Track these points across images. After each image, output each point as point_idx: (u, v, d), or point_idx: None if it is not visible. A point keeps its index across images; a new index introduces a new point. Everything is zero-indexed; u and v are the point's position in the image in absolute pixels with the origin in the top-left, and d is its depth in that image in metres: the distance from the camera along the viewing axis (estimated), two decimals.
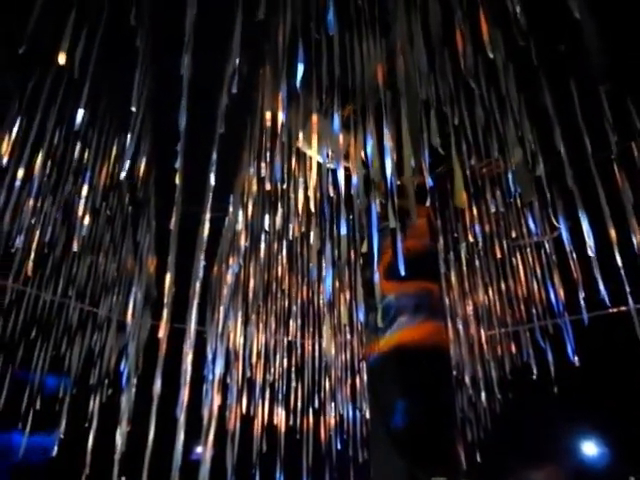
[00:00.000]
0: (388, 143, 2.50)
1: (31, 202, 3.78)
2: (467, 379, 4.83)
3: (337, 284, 4.15)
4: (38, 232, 3.99)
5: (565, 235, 3.42)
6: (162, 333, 3.91)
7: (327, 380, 5.14)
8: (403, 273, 2.48)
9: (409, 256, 2.74)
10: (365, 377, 3.96)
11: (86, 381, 4.96)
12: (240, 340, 4.59)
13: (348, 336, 4.88)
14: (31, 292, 4.77)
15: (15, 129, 3.39)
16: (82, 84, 2.79)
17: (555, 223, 3.64)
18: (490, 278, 4.60)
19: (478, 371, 4.91)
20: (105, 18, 2.81)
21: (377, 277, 2.48)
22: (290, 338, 5.26)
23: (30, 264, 3.88)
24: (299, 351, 5.33)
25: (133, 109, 2.66)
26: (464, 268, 4.66)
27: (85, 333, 5.14)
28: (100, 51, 2.76)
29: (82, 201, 3.65)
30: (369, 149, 2.55)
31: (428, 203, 3.07)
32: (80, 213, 3.75)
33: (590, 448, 7.15)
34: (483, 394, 4.92)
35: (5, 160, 3.28)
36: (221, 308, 4.65)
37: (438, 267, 4.00)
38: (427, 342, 3.45)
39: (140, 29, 2.59)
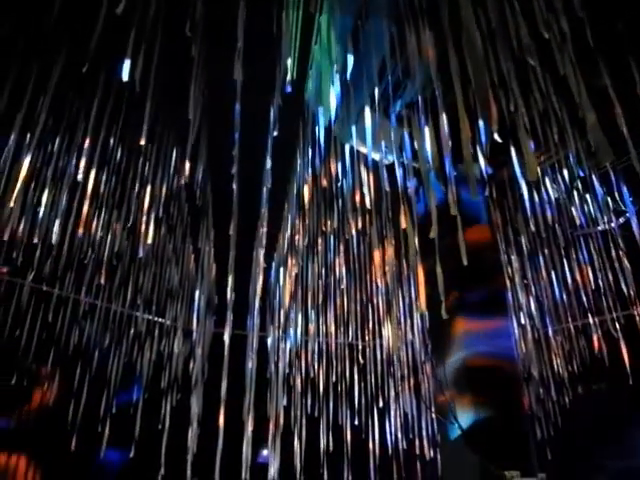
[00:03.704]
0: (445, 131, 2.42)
1: (99, 215, 3.92)
2: (535, 375, 4.62)
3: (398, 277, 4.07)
4: (107, 244, 4.11)
5: (634, 220, 3.22)
6: (226, 337, 3.92)
7: (391, 378, 5.05)
8: (465, 262, 2.38)
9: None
10: (432, 375, 3.85)
11: (157, 386, 5.09)
12: (302, 342, 4.58)
13: (410, 334, 4.78)
14: (101, 305, 4.93)
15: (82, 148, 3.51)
16: (143, 99, 2.84)
17: (622, 207, 3.44)
18: (555, 270, 4.39)
19: (546, 366, 4.70)
20: (161, 34, 2.86)
21: (439, 268, 2.39)
22: (351, 339, 5.21)
23: (102, 275, 3.99)
24: (362, 350, 5.27)
25: (190, 117, 2.69)
26: (526, 260, 4.47)
27: (153, 341, 5.28)
28: (158, 65, 2.81)
29: (146, 212, 3.73)
30: (427, 139, 2.48)
31: (487, 192, 2.96)
32: (144, 224, 3.83)
33: None
34: (552, 389, 4.70)
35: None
36: (282, 311, 4.66)
37: (501, 266, 3.88)
38: (498, 363, 3.36)
39: (194, 39, 2.61)
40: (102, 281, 4.34)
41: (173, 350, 5.29)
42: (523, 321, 4.54)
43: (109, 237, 4.20)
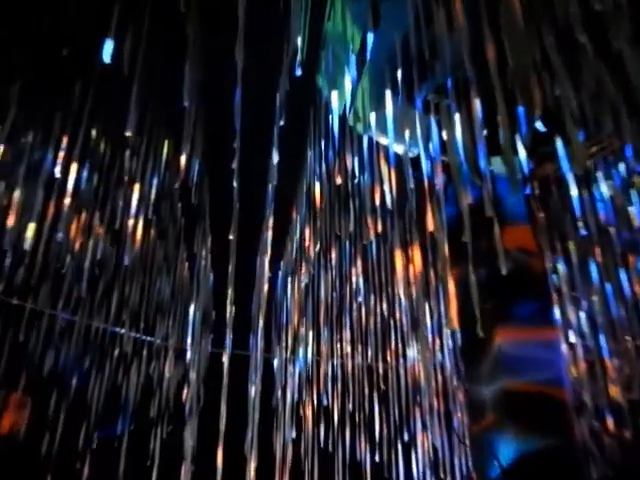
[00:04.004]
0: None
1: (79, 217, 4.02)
2: (588, 403, 4.62)
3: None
4: (88, 251, 4.19)
5: None
6: (225, 359, 4.00)
7: (418, 406, 5.07)
8: (504, 270, 2.42)
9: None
10: (465, 402, 3.89)
11: (145, 416, 5.16)
12: (313, 364, 4.63)
13: (439, 354, 4.81)
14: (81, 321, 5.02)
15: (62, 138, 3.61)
16: (130, 83, 2.91)
17: None
18: (610, 279, 4.39)
19: (601, 393, 4.68)
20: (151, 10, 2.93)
21: (474, 278, 2.43)
22: (370, 360, 5.25)
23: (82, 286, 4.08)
24: (383, 373, 5.30)
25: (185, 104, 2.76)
26: (576, 268, 4.48)
27: (141, 364, 5.35)
28: (148, 45, 2.88)
29: (133, 213, 3.82)
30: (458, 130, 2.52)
31: (528, 189, 3.00)
32: (131, 227, 3.92)
33: None
34: (609, 421, 4.69)
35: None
36: (290, 328, 4.72)
37: (546, 275, 3.91)
38: (544, 389, 3.38)
39: (189, 14, 2.69)
40: (82, 293, 4.43)
41: (164, 374, 5.36)
42: (573, 340, 4.55)
43: (90, 242, 4.29)
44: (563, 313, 4.37)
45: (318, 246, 4.13)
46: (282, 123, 3.04)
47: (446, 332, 4.55)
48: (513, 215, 3.54)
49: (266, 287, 4.03)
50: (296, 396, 4.99)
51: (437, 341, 4.69)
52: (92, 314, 4.90)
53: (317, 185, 3.81)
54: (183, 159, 3.41)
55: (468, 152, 2.55)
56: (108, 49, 2.73)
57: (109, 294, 4.76)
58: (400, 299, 4.52)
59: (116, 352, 5.17)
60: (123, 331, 5.12)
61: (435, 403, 4.91)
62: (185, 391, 5.21)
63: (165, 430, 5.22)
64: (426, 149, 2.84)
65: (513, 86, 2.55)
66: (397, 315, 4.84)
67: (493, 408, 3.41)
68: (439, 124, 2.77)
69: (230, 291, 3.33)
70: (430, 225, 2.69)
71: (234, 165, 2.94)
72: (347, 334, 5.01)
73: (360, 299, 4.72)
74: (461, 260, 2.75)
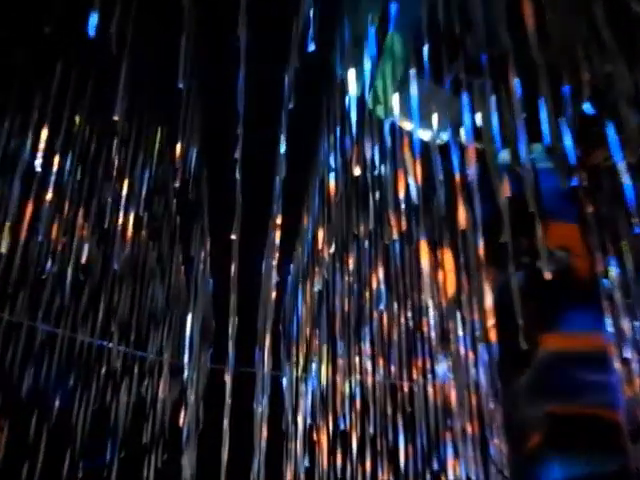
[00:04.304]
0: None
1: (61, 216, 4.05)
2: None
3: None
4: (72, 254, 4.23)
5: None
6: (228, 377, 4.03)
7: (449, 431, 5.05)
8: (548, 276, 2.42)
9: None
10: (503, 426, 3.87)
11: (137, 442, 5.19)
12: (329, 382, 4.63)
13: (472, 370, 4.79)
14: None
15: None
16: (119, 63, 2.94)
17: None
18: None
19: None
20: None
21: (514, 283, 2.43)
22: (394, 378, 5.24)
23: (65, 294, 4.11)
24: (408, 393, 5.29)
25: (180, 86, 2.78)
26: (630, 272, 4.44)
27: (132, 382, 5.39)
28: (138, 18, 2.91)
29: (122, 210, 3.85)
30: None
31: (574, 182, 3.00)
32: (120, 227, 3.95)
33: None
34: None
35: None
36: (301, 341, 4.72)
37: (596, 280, 3.88)
38: (594, 411, 3.36)
39: None
40: (65, 302, 4.46)
41: (158, 393, 5.39)
42: (627, 354, 4.52)
43: (74, 244, 4.32)
44: (616, 323, 4.34)
45: (333, 247, 4.13)
46: (291, 106, 3.05)
47: (481, 345, 4.53)
48: (557, 210, 3.52)
49: (274, 294, 4.04)
50: (309, 419, 5.00)
51: (470, 355, 4.67)
52: (76, 326, 4.93)
53: (332, 177, 3.81)
54: (179, 148, 3.43)
55: (506, 138, 2.54)
56: (93, 21, 2.74)
57: (95, 303, 4.79)
58: (428, 307, 4.51)
59: (104, 369, 5.20)
60: (111, 345, 5.14)
61: (468, 427, 4.88)
62: (182, 413, 5.24)
63: (160, 458, 5.25)
64: (457, 134, 2.84)
65: (557, 61, 2.55)
66: (424, 326, 4.82)
67: (536, 432, 3.39)
68: (472, 105, 2.77)
69: (233, 299, 3.34)
70: (462, 222, 2.68)
71: (237, 155, 2.95)
72: (367, 348, 5.00)
73: (382, 307, 4.71)
74: (498, 262, 2.75)
